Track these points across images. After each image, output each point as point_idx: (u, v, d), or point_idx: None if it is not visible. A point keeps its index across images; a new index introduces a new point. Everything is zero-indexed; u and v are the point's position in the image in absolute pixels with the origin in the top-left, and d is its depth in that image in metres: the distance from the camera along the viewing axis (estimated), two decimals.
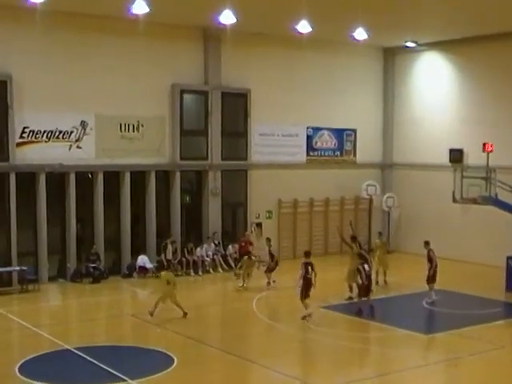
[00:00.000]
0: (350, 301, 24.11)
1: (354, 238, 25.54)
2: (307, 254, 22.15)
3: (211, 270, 29.64)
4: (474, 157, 30.39)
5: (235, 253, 29.69)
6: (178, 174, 30.00)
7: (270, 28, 30.07)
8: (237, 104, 31.63)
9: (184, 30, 29.67)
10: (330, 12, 26.44)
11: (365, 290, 22.34)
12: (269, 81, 31.89)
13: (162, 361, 17.61)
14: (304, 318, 21.38)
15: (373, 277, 25.67)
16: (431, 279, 23.95)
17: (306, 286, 21.60)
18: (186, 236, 30.34)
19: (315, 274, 21.70)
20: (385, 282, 26.57)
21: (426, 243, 24.44)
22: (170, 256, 26.72)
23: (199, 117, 30.74)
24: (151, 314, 21.48)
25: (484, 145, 28.19)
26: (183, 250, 29.27)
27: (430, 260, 23.97)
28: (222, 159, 30.92)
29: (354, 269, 23.82)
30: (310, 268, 21.64)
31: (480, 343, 19.70)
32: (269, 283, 26.49)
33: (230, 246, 30.28)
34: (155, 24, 27.71)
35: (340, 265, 27.21)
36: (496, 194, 26.77)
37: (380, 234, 29.03)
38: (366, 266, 22.39)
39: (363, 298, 22.44)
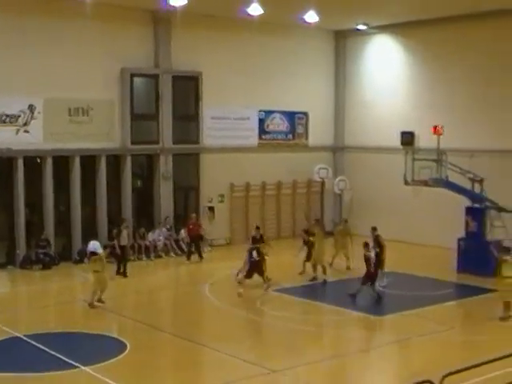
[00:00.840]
0: (314, 281, 24.31)
1: (317, 221, 26.41)
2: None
3: (163, 255, 29.44)
4: (425, 139, 30.57)
5: (187, 237, 29.46)
6: (128, 159, 29.64)
7: (221, 10, 29.80)
8: (188, 87, 31.35)
9: (133, 13, 29.23)
10: None
11: (371, 277, 22.31)
12: (220, 64, 31.64)
13: (114, 346, 17.44)
14: (239, 295, 22.21)
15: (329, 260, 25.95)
16: (382, 264, 24.03)
17: (251, 268, 22.72)
18: (137, 221, 30.08)
19: (263, 257, 22.79)
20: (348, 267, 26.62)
21: (374, 229, 24.58)
22: (125, 242, 26.14)
23: (150, 100, 30.37)
24: (101, 301, 21.24)
25: (434, 127, 28.40)
26: (135, 234, 29.01)
27: (380, 245, 24.07)
28: (174, 143, 30.63)
29: (322, 250, 24.88)
30: (255, 252, 22.61)
31: (432, 324, 19.89)
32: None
33: (182, 231, 30.03)
34: (104, 5, 27.32)
35: (293, 248, 27.26)
36: (447, 176, 27.07)
37: (346, 221, 28.97)
38: (373, 255, 22.43)
39: (366, 285, 22.36)
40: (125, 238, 26.19)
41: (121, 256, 25.66)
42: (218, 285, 24.51)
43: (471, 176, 27.11)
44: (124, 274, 25.47)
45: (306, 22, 29.77)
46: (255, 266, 22.67)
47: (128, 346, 17.41)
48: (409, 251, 28.79)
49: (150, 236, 29.24)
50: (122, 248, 25.85)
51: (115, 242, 25.81)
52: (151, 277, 26.96)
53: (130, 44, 29.36)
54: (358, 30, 33.87)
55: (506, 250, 24.50)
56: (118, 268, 25.57)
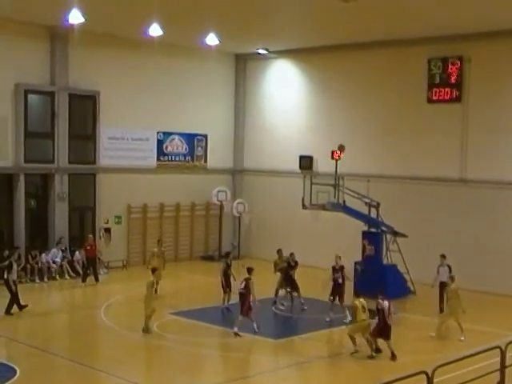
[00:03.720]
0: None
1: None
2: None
3: (57, 277, 28.55)
4: (323, 164, 30.88)
5: (84, 258, 28.57)
6: (22, 178, 28.74)
7: (121, 30, 29.44)
8: (85, 106, 30.74)
9: (29, 27, 28.41)
10: (182, 16, 26.15)
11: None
12: (119, 83, 31.18)
13: (2, 372, 16.61)
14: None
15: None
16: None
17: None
18: (30, 242, 29.09)
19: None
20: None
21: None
22: (15, 276, 23.40)
23: (45, 118, 29.57)
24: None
25: (332, 152, 28.75)
26: (27, 256, 28.04)
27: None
28: (69, 162, 29.89)
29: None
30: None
31: (329, 347, 19.96)
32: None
33: (77, 252, 29.28)
34: None
35: (190, 272, 27.01)
36: (344, 201, 27.36)
37: (158, 241, 28.15)
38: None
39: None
40: (15, 272, 23.63)
41: (15, 292, 22.97)
42: (114, 308, 23.97)
43: (368, 201, 27.52)
44: (7, 312, 22.66)
45: (206, 44, 29.69)
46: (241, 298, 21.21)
47: (18, 371, 16.68)
48: (306, 274, 28.81)
49: (43, 257, 28.31)
50: (15, 283, 23.23)
51: (7, 276, 23.05)
52: (45, 300, 26.11)
53: (25, 59, 28.51)
54: (258, 53, 34.08)
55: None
56: (10, 306, 22.74)
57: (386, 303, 18.71)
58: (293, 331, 22.00)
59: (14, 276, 23.26)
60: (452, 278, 21.33)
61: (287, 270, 24.55)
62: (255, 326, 20.78)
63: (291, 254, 24.79)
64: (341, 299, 23.04)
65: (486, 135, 27.84)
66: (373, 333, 18.68)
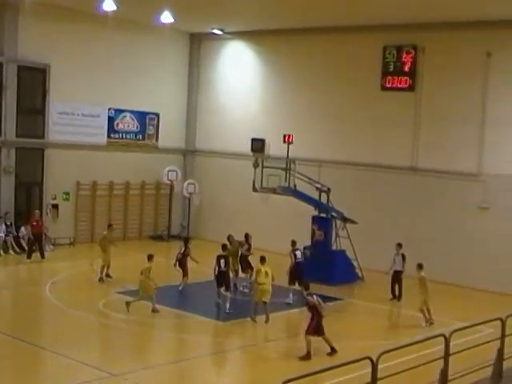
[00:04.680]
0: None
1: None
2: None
3: (1, 252, 28.06)
4: (275, 147, 30.85)
5: (30, 234, 28.13)
6: None
7: (74, 3, 28.97)
8: (35, 79, 30.23)
9: None
10: None
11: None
12: (71, 58, 30.63)
13: None
14: None
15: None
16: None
17: None
18: None
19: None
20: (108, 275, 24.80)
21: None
22: None
23: None
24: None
25: (284, 136, 28.70)
26: None
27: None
28: (17, 136, 29.36)
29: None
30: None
31: (275, 331, 19.98)
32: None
33: (22, 228, 28.80)
34: None
35: (138, 251, 26.79)
36: (295, 185, 27.38)
37: (110, 226, 27.00)
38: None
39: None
40: None
41: None
42: (60, 285, 23.68)
43: (318, 186, 27.58)
44: None
45: (161, 22, 29.41)
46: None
47: None
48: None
49: None
50: None
51: None
52: None
53: None
54: (213, 34, 33.76)
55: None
56: None
57: (315, 297, 17.72)
58: (243, 314, 21.88)
59: None
60: (420, 266, 21.48)
61: (245, 255, 24.54)
62: (228, 305, 21.13)
63: (246, 234, 24.93)
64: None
65: (437, 124, 28.07)
66: (308, 331, 17.45)
